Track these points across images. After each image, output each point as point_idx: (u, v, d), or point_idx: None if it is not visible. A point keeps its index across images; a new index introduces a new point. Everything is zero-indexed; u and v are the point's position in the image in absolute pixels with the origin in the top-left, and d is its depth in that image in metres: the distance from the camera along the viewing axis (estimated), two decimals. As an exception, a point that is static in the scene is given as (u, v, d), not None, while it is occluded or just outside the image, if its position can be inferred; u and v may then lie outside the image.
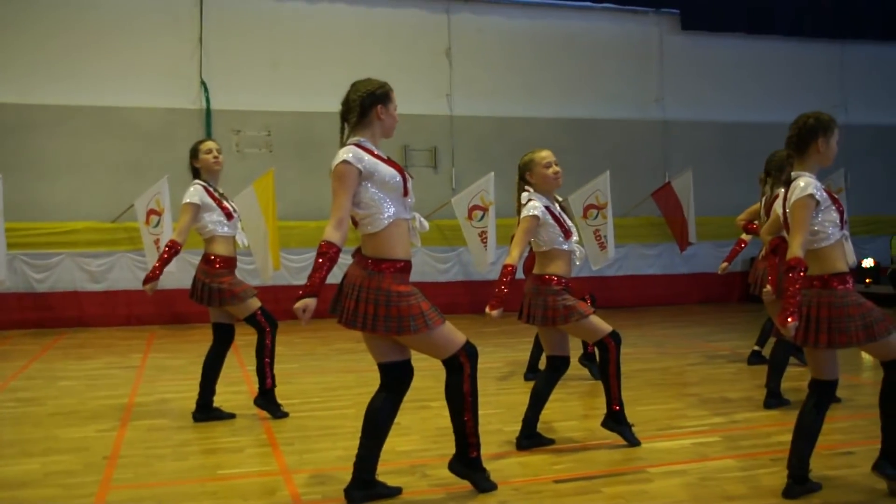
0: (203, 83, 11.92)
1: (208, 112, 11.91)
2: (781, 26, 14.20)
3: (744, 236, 7.01)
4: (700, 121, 13.94)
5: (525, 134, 12.21)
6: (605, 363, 4.68)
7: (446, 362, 3.72)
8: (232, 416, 5.58)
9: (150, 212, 10.38)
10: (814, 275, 3.74)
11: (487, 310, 4.52)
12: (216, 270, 5.42)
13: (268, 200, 10.23)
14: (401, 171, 3.69)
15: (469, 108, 12.94)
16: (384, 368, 3.76)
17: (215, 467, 4.50)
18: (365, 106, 3.67)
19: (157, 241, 10.18)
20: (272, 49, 12.22)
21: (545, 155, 4.70)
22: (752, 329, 8.09)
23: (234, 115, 12.05)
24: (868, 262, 12.67)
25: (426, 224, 3.85)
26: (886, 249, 12.64)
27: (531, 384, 5.08)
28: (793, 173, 3.83)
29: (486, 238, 11.01)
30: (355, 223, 3.65)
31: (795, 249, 3.63)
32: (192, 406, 5.55)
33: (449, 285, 12.28)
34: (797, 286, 3.61)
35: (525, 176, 4.73)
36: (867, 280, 12.47)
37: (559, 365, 4.78)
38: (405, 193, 3.68)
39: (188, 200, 5.41)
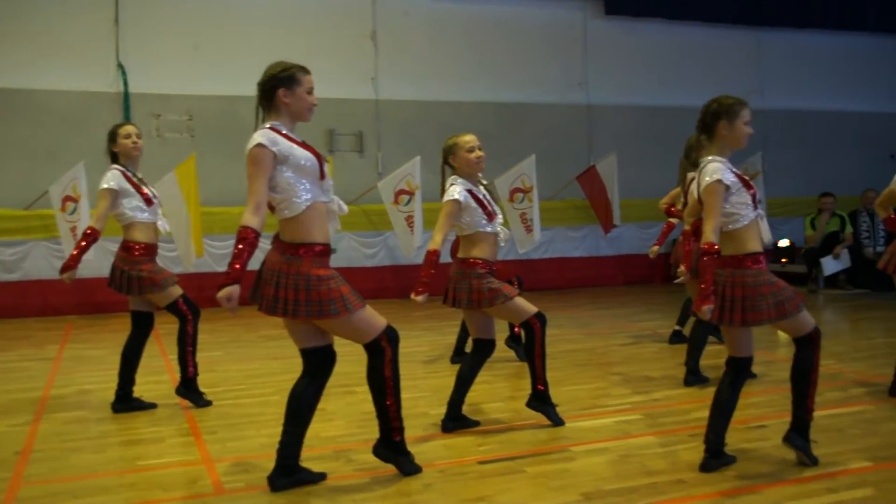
0: (120, 65, 11.56)
1: (126, 95, 11.56)
2: (701, 13, 14.47)
3: (670, 219, 7.15)
4: (624, 105, 14.13)
5: (451, 118, 12.18)
6: (530, 344, 4.73)
7: (368, 346, 3.72)
8: (153, 405, 5.47)
9: (66, 198, 10.04)
10: (728, 255, 3.83)
11: (413, 295, 4.54)
12: (135, 258, 5.30)
13: (190, 186, 10.00)
14: (316, 154, 3.66)
15: (395, 92, 12.85)
16: (306, 354, 3.75)
17: (135, 458, 4.41)
18: (266, 90, 3.64)
19: (73, 229, 9.86)
20: (193, 30, 11.89)
21: (469, 139, 4.71)
22: (674, 309, 8.28)
23: (154, 99, 11.70)
24: (784, 243, 13.06)
25: (345, 207, 3.82)
26: (802, 230, 13.04)
27: (458, 367, 5.10)
28: (704, 158, 3.91)
29: (412, 222, 10.98)
30: (272, 208, 3.61)
31: (709, 234, 3.72)
32: (112, 397, 5.42)
33: (376, 270, 12.23)
34: (711, 270, 3.70)
35: (448, 160, 4.75)
36: (783, 260, 12.83)
37: (485, 347, 4.81)
38: (321, 177, 3.64)
39: (105, 186, 5.26)
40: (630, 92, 14.17)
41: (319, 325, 3.65)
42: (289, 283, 3.52)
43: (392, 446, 3.87)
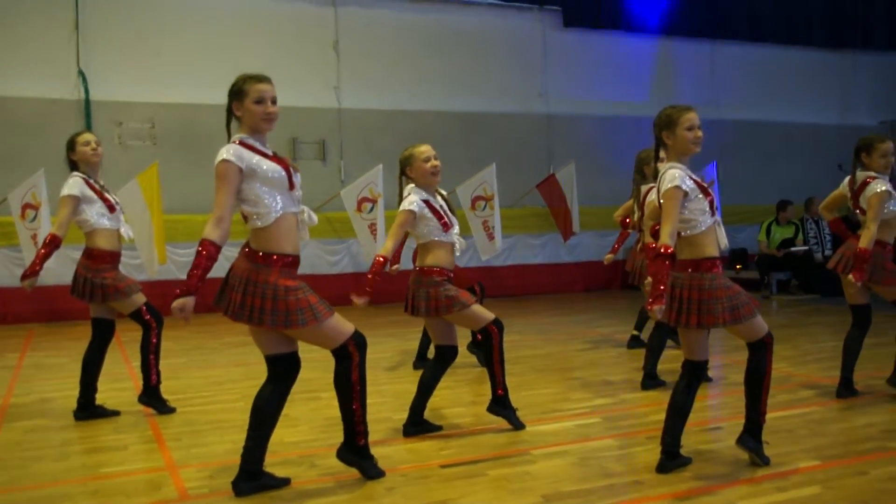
0: (81, 72, 11.47)
1: (87, 103, 11.47)
2: (656, 25, 14.77)
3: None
4: (582, 115, 14.33)
5: (413, 127, 12.29)
6: (488, 350, 4.82)
7: (335, 351, 3.78)
8: (116, 413, 5.46)
9: (26, 206, 9.96)
10: (686, 259, 3.93)
11: (352, 296, 4.59)
12: (98, 265, 5.29)
13: (153, 193, 9.96)
14: (285, 165, 3.71)
15: (357, 101, 12.92)
16: (271, 360, 3.78)
17: (97, 466, 4.40)
18: (228, 104, 3.70)
19: (34, 236, 9.81)
20: (155, 38, 11.83)
21: (424, 150, 4.78)
22: (632, 314, 8.42)
23: (116, 107, 11.62)
24: (738, 250, 13.36)
25: (315, 217, 3.87)
26: (755, 238, 13.33)
27: (420, 373, 5.17)
28: (662, 165, 4.02)
29: (375, 230, 11.06)
30: (245, 218, 3.66)
31: (665, 237, 3.81)
32: (74, 405, 5.40)
33: (339, 277, 12.25)
34: (665, 272, 3.80)
35: (405, 171, 4.82)
36: (738, 266, 13.11)
37: (447, 354, 4.89)
38: (291, 187, 3.70)
39: (67, 193, 5.26)
40: (588, 102, 14.38)
41: (287, 333, 3.70)
42: (256, 291, 3.57)
43: (356, 450, 3.92)
